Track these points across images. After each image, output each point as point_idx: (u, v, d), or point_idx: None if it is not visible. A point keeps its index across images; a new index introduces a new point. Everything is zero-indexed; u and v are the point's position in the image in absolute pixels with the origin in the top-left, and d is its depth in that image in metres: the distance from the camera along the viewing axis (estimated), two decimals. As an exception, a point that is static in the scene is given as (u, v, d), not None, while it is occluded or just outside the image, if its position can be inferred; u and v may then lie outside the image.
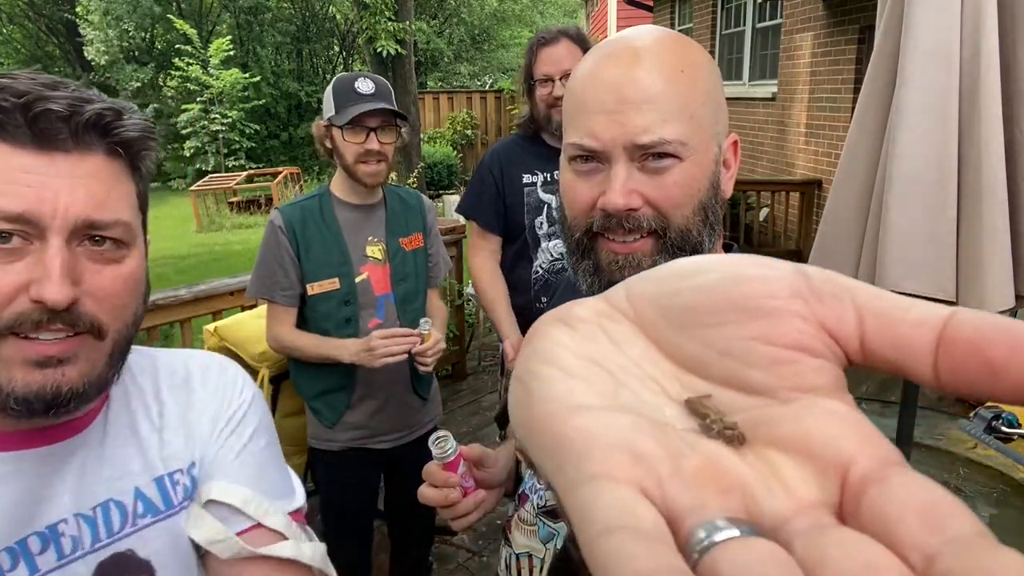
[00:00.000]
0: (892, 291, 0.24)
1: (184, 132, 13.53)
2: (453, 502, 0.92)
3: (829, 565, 0.17)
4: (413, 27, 9.05)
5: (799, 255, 5.56)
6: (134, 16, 14.85)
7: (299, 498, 0.82)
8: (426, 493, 0.93)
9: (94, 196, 0.64)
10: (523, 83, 2.15)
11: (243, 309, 2.81)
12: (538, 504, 0.92)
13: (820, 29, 5.73)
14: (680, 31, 8.17)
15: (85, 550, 0.68)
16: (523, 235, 2.15)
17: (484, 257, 2.20)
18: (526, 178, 2.14)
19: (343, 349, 1.82)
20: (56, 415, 0.64)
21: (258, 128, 14.24)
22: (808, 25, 5.93)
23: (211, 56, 13.25)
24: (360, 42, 9.25)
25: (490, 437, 3.30)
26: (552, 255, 2.15)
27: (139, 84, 14.88)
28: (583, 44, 2.05)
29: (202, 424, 0.78)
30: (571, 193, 0.78)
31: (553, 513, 0.90)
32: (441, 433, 0.92)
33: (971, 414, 1.92)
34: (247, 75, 13.75)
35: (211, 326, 2.39)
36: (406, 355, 1.81)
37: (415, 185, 6.26)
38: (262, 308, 2.14)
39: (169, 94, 15.03)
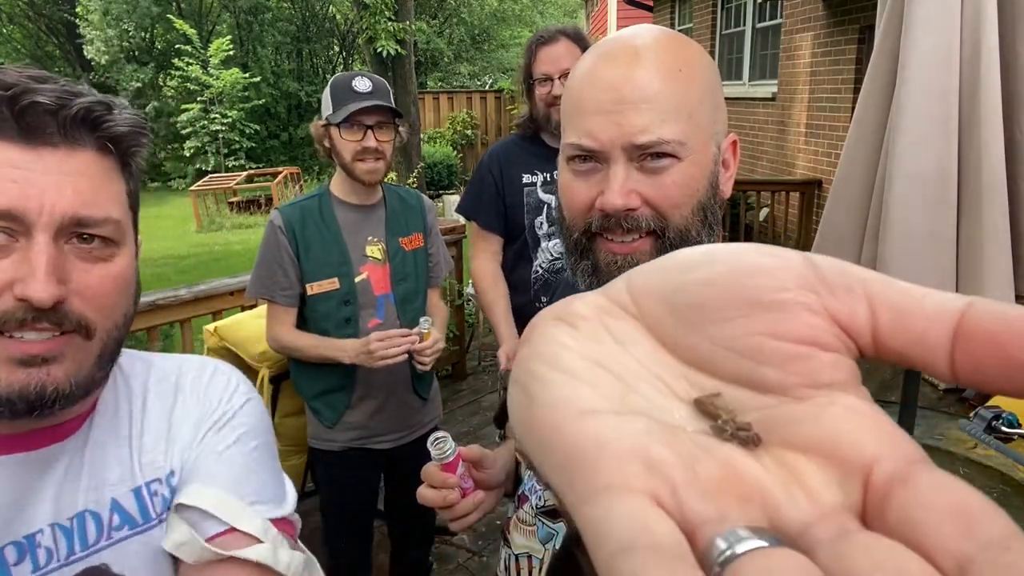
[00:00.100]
0: None
1: (184, 132, 13.53)
2: (452, 503, 0.91)
3: (857, 574, 0.16)
4: (413, 27, 9.05)
5: (799, 255, 5.55)
6: (133, 16, 14.85)
7: (287, 506, 0.77)
8: (425, 494, 0.92)
9: (82, 193, 0.62)
10: (522, 83, 2.15)
11: (243, 309, 2.81)
12: (537, 505, 0.91)
13: (820, 29, 5.72)
14: (680, 31, 8.15)
15: (60, 562, 0.66)
16: (523, 235, 2.15)
17: (485, 259, 2.20)
18: (526, 178, 2.14)
19: (342, 350, 1.82)
20: (40, 416, 0.62)
21: (258, 128, 14.24)
22: (808, 25, 5.93)
23: (211, 56, 13.25)
24: (360, 42, 9.25)
25: (490, 437, 3.30)
26: (552, 255, 2.15)
27: (139, 84, 14.88)
28: (582, 43, 2.05)
29: (183, 430, 0.75)
30: (569, 193, 0.78)
31: (552, 513, 0.90)
32: (440, 434, 0.92)
33: (971, 414, 1.92)
34: (247, 75, 13.76)
35: (211, 326, 2.39)
36: (406, 356, 1.81)
37: (415, 185, 6.26)
38: (262, 308, 2.14)
39: (169, 94, 15.03)
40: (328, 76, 15.17)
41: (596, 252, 0.77)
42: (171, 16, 14.32)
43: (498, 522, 1.11)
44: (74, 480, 0.68)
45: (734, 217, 6.05)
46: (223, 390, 0.78)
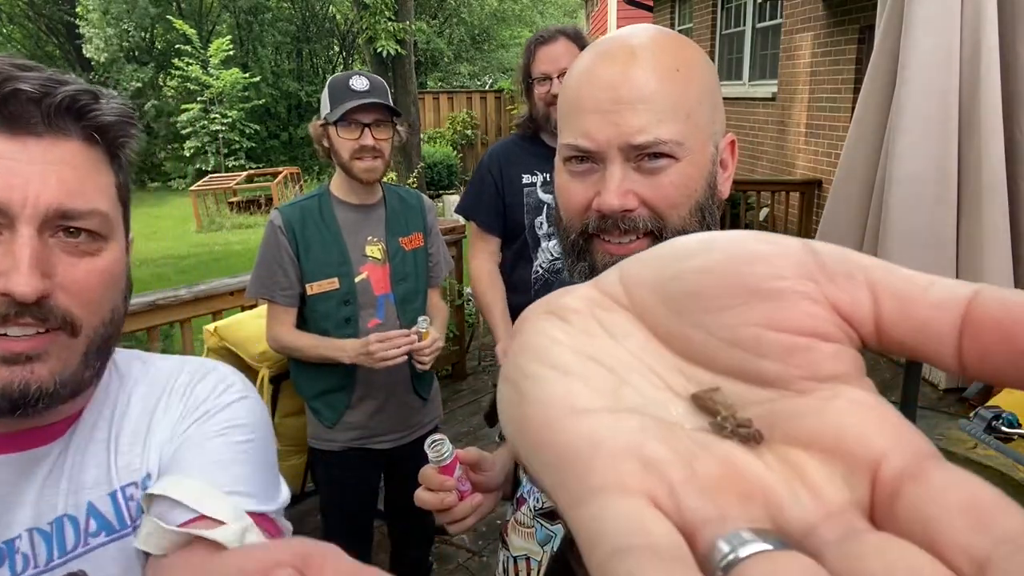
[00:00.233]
0: None
1: (184, 132, 13.53)
2: (449, 506, 0.91)
3: None
4: (413, 27, 9.05)
5: (799, 255, 5.55)
6: (132, 16, 14.86)
7: (272, 505, 0.71)
8: (422, 497, 0.92)
9: (67, 184, 0.60)
10: (521, 82, 2.15)
11: (243, 309, 2.81)
12: (535, 507, 0.91)
13: (820, 29, 5.72)
14: (680, 31, 8.13)
15: (38, 568, 0.63)
16: (523, 235, 2.15)
17: (483, 259, 2.21)
18: (525, 178, 2.14)
19: (342, 350, 1.82)
20: (24, 415, 0.60)
21: (258, 128, 14.24)
22: (808, 25, 5.93)
23: (211, 56, 13.25)
24: (360, 42, 9.25)
25: (490, 437, 3.30)
26: (552, 255, 2.15)
27: (139, 84, 14.89)
28: (581, 43, 2.05)
29: (161, 429, 0.71)
30: (566, 194, 0.77)
31: (550, 515, 0.89)
32: (437, 437, 0.91)
33: (971, 414, 1.91)
34: (247, 75, 13.76)
35: (211, 326, 2.39)
36: (406, 356, 1.81)
37: (415, 185, 6.26)
38: (262, 308, 2.14)
39: (169, 94, 15.04)
40: (328, 76, 15.19)
41: (593, 253, 0.76)
42: (171, 16, 14.32)
43: (499, 522, 1.11)
44: (54, 484, 0.66)
45: (734, 217, 6.05)
46: (213, 387, 0.75)
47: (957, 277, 1.67)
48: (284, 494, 0.75)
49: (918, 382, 1.91)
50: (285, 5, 16.30)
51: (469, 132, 12.61)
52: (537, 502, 0.91)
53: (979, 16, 1.57)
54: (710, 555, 0.17)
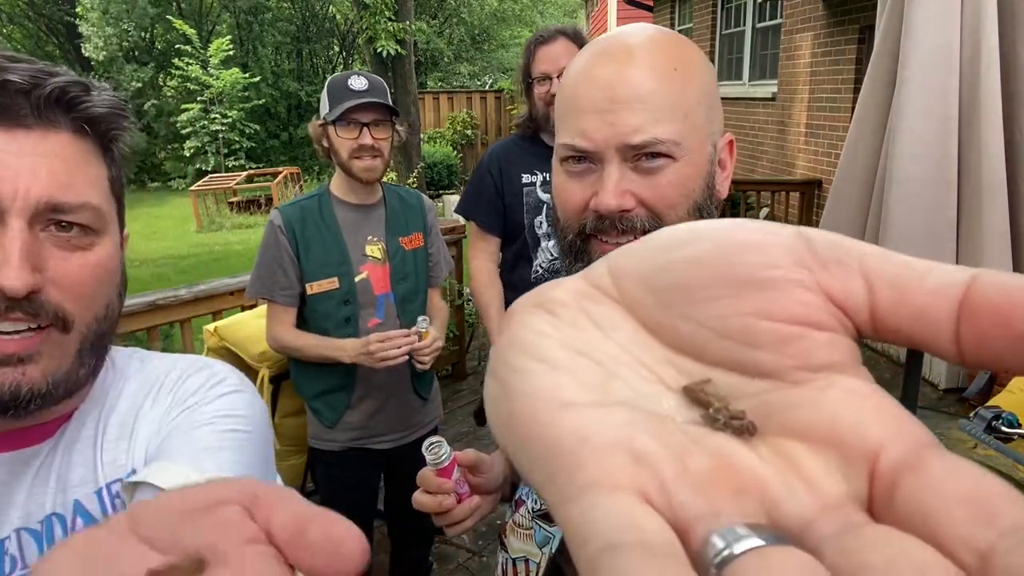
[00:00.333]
0: None
1: (184, 132, 13.54)
2: (447, 508, 0.90)
3: (869, 573, 0.15)
4: (413, 27, 9.05)
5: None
6: (132, 16, 14.86)
7: None
8: (420, 499, 0.91)
9: (58, 175, 0.59)
10: (521, 82, 2.16)
11: (243, 309, 2.81)
12: (534, 508, 0.91)
13: (820, 29, 5.72)
14: (680, 31, 8.12)
15: (27, 571, 0.62)
16: (523, 235, 2.15)
17: (482, 259, 2.21)
18: (525, 178, 2.14)
19: (342, 349, 1.82)
20: (16, 416, 0.59)
21: (258, 128, 14.24)
22: (808, 25, 5.93)
23: (211, 56, 13.26)
24: (360, 42, 9.25)
25: (490, 438, 3.30)
26: (552, 255, 2.15)
27: (139, 84, 14.89)
28: (580, 43, 2.05)
29: (149, 423, 0.70)
30: (563, 194, 0.77)
31: (549, 517, 0.89)
32: (434, 439, 0.91)
33: (971, 414, 1.91)
34: (247, 75, 13.77)
35: (211, 326, 2.39)
36: (406, 356, 1.81)
37: (415, 185, 6.26)
38: (262, 308, 2.14)
39: (169, 94, 15.04)
40: (328, 76, 15.22)
41: (591, 254, 0.76)
42: (171, 16, 14.33)
43: (499, 522, 1.11)
44: (43, 483, 0.65)
45: (734, 217, 6.05)
46: (205, 380, 0.73)
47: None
48: (277, 482, 0.72)
49: (918, 382, 1.91)
50: (285, 5, 16.31)
51: (469, 132, 12.61)
52: (535, 504, 0.91)
53: (979, 16, 1.57)
54: (704, 551, 0.16)
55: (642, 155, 0.71)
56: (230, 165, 13.35)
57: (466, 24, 19.05)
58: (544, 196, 2.14)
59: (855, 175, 1.85)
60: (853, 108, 2.07)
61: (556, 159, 0.77)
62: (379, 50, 8.31)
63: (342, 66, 16.59)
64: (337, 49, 17.14)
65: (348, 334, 1.86)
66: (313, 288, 1.86)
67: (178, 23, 13.50)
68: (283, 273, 1.85)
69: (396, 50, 8.39)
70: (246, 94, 13.82)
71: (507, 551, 0.94)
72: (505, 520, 0.97)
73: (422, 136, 10.34)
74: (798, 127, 6.17)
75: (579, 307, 0.24)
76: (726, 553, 0.16)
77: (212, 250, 8.75)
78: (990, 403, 2.28)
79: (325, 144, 1.88)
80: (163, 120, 14.50)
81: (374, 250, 1.93)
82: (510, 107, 12.43)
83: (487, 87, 15.53)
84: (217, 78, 13.20)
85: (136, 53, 15.57)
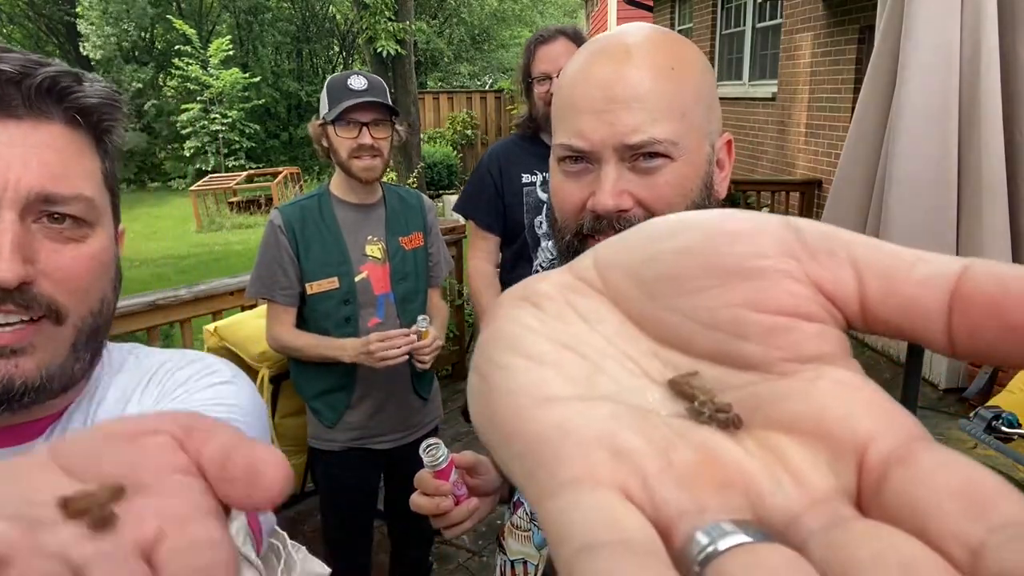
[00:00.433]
0: None
1: (184, 132, 13.54)
2: (445, 511, 0.90)
3: (856, 569, 0.14)
4: (413, 27, 9.05)
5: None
6: (131, 16, 14.86)
7: None
8: (418, 501, 0.91)
9: (50, 166, 0.58)
10: (521, 82, 2.16)
11: (243, 309, 2.81)
12: (532, 510, 0.91)
13: (820, 29, 5.72)
14: (680, 31, 8.11)
15: None
16: (523, 235, 2.15)
17: (481, 259, 2.21)
18: (525, 178, 2.14)
19: (342, 349, 1.82)
20: (9, 409, 0.58)
21: (258, 128, 14.25)
22: (808, 25, 5.93)
23: (211, 56, 13.26)
24: (360, 42, 9.25)
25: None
26: (552, 255, 2.15)
27: (140, 84, 14.90)
28: (580, 43, 2.05)
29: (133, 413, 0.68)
30: (560, 195, 0.76)
31: None
32: (432, 441, 0.90)
33: (971, 414, 1.91)
34: (247, 75, 13.78)
35: (211, 326, 2.40)
36: (406, 356, 1.81)
37: (415, 185, 6.26)
38: (262, 308, 2.14)
39: (169, 94, 15.04)
40: (328, 76, 15.23)
41: None
42: (171, 16, 14.33)
43: (499, 522, 1.10)
44: None
45: (734, 217, 6.05)
46: (196, 371, 0.72)
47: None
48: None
49: (918, 382, 1.91)
50: (285, 5, 16.31)
51: (469, 132, 12.61)
52: None
53: (979, 16, 1.57)
54: (687, 548, 0.16)
55: (640, 155, 0.71)
56: (230, 165, 13.35)
57: (466, 24, 19.05)
58: (544, 196, 2.14)
59: (855, 175, 1.85)
60: (853, 108, 2.07)
61: (553, 159, 0.77)
62: (379, 50, 8.32)
63: (342, 66, 16.59)
64: (337, 49, 17.14)
65: (348, 334, 1.86)
66: (313, 288, 1.86)
67: (178, 23, 13.50)
68: (283, 273, 1.85)
69: (396, 50, 8.39)
70: (246, 94, 13.82)
71: (505, 553, 0.94)
72: (503, 522, 0.97)
73: (422, 136, 10.34)
74: (798, 127, 6.17)
75: (565, 300, 0.24)
76: (710, 549, 0.15)
77: (212, 250, 8.75)
78: (990, 403, 2.28)
79: (325, 144, 1.88)
80: (163, 120, 14.51)
81: (374, 250, 1.93)
82: (510, 107, 12.42)
83: (487, 87, 15.53)
84: (217, 78, 13.20)
85: (136, 53, 15.58)
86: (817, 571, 0.15)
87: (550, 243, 2.14)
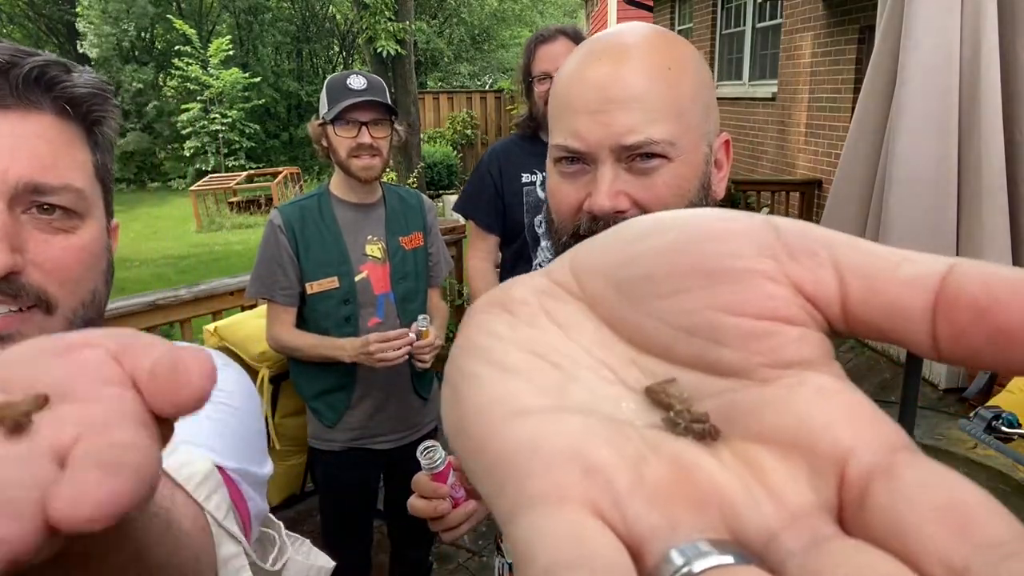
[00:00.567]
0: None
1: (184, 132, 13.54)
2: (443, 513, 0.90)
3: None
4: (413, 27, 9.06)
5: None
6: (131, 15, 14.86)
7: (231, 461, 0.63)
8: (415, 504, 0.91)
9: (40, 157, 0.58)
10: (521, 82, 2.16)
11: (243, 309, 2.81)
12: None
13: (820, 29, 5.73)
14: (680, 31, 8.10)
15: None
16: (522, 234, 2.15)
17: (480, 259, 2.21)
18: (525, 177, 2.14)
19: (342, 349, 1.82)
20: None
21: (258, 128, 14.25)
22: (808, 25, 5.93)
23: (211, 56, 13.26)
24: (360, 42, 9.26)
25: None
26: (551, 255, 2.15)
27: (140, 84, 14.90)
28: (580, 42, 2.04)
29: None
30: (557, 195, 0.76)
31: None
32: (429, 443, 0.90)
33: (971, 414, 1.92)
34: (247, 75, 13.77)
35: (211, 326, 2.40)
36: (406, 356, 1.81)
37: (415, 185, 6.26)
38: (262, 308, 2.14)
39: (169, 94, 15.04)
40: (328, 76, 15.24)
41: None
42: (171, 16, 14.34)
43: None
44: None
45: (734, 217, 6.05)
46: None
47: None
48: (265, 466, 0.71)
49: (918, 382, 1.91)
50: (285, 5, 16.31)
51: (469, 132, 12.61)
52: None
53: (979, 16, 1.57)
54: (661, 568, 0.15)
55: (636, 156, 0.70)
56: (230, 165, 13.35)
57: (466, 24, 19.05)
58: (544, 195, 2.14)
59: (855, 175, 1.85)
60: (853, 108, 2.07)
61: (550, 160, 0.76)
62: (379, 50, 8.32)
63: (342, 66, 16.59)
64: (337, 49, 17.14)
65: (348, 333, 1.86)
66: (313, 288, 1.86)
67: (178, 23, 13.50)
68: (283, 273, 1.85)
69: (396, 50, 8.40)
70: (246, 94, 13.82)
71: (503, 556, 0.94)
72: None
73: (422, 136, 10.34)
74: (798, 127, 6.17)
75: (539, 305, 0.23)
76: (685, 571, 0.15)
77: (212, 250, 8.75)
78: (990, 403, 2.28)
79: (324, 144, 1.88)
80: (163, 120, 14.51)
81: (374, 249, 1.93)
82: (510, 107, 12.42)
83: (487, 87, 15.53)
84: (217, 78, 13.20)
85: (136, 53, 15.57)
86: None
87: (550, 243, 2.14)
